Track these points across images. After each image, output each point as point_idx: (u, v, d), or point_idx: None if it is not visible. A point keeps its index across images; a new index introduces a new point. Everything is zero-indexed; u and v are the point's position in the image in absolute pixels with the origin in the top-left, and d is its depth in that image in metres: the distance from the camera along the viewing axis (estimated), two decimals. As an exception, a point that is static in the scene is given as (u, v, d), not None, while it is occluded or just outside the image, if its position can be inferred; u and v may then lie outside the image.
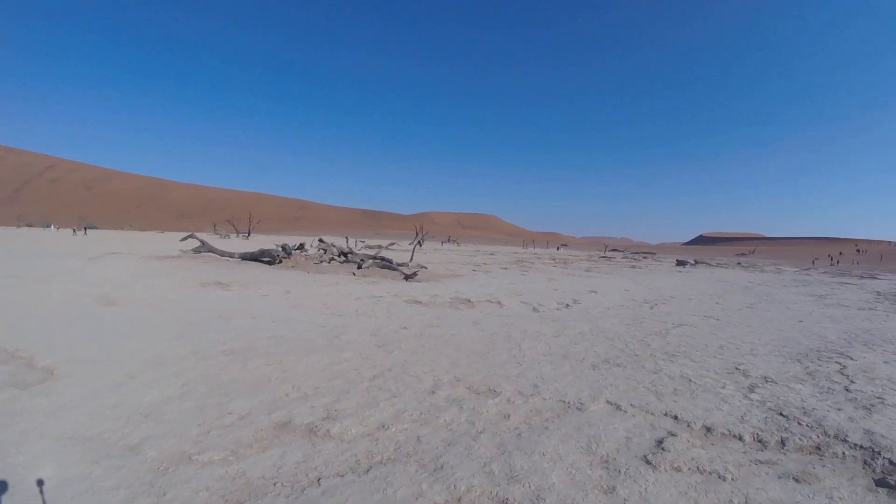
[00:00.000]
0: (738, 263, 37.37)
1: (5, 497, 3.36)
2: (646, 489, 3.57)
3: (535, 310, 12.46)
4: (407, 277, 18.77)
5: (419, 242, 40.77)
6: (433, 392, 5.60)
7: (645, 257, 51.36)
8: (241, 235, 71.95)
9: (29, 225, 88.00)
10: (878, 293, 20.79)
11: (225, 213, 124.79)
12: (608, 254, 61.82)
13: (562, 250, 79.21)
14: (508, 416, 4.93)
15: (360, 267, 21.15)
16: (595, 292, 16.85)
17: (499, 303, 13.45)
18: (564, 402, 5.44)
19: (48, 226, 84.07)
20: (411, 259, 25.72)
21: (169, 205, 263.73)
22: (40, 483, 3.48)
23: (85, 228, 65.02)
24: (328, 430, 4.44)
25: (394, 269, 20.97)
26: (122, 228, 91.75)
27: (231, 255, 23.10)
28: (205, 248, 24.00)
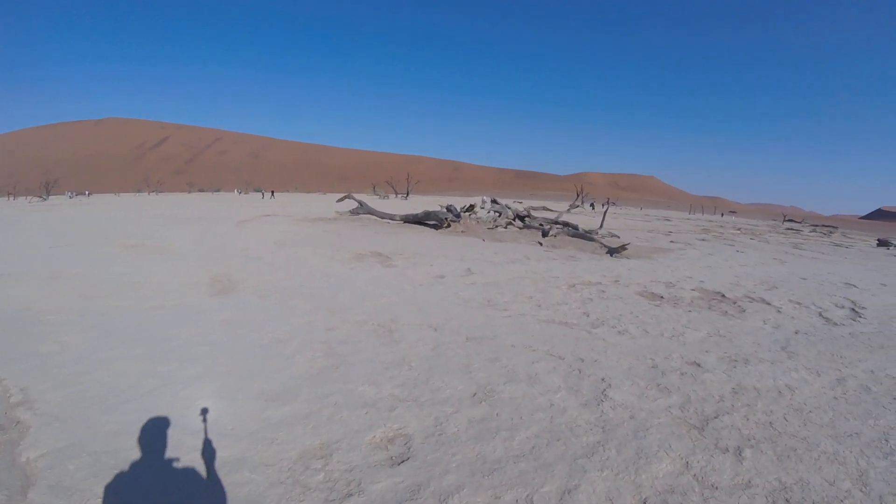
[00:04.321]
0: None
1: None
2: None
3: (826, 319, 7.91)
4: (612, 252, 14.31)
5: (592, 205, 35.83)
6: None
7: (830, 232, 42.22)
8: (399, 196, 70.75)
9: (201, 190, 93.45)
10: None
11: (382, 175, 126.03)
12: (793, 226, 52.52)
13: (732, 218, 70.31)
14: None
15: (545, 235, 16.94)
16: (853, 286, 11.33)
17: (763, 301, 9.00)
18: None
19: (217, 190, 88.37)
20: (601, 225, 21.14)
21: (329, 169, 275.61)
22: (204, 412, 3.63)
23: (272, 192, 66.72)
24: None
25: (591, 239, 16.54)
26: (287, 191, 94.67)
27: (392, 218, 20.12)
28: (363, 209, 21.26)
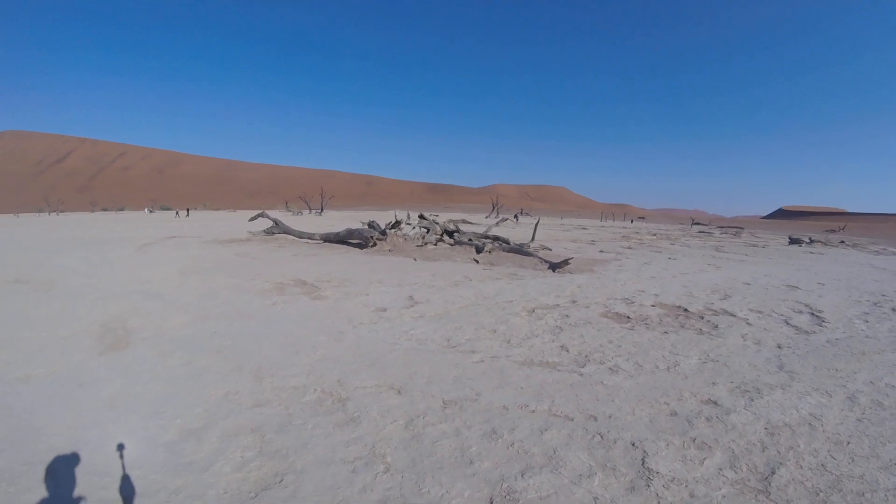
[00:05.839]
0: (842, 242, 30.64)
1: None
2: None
3: (796, 328, 7.73)
4: (554, 267, 13.46)
5: (516, 216, 35.38)
6: None
7: (737, 233, 44.45)
8: (314, 212, 68.59)
9: (104, 209, 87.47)
10: None
11: (294, 190, 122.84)
12: (703, 229, 54.89)
13: (643, 223, 72.88)
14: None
15: (479, 251, 15.91)
16: (796, 288, 11.53)
17: (727, 313, 8.67)
18: None
19: (122, 209, 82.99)
20: (533, 238, 20.30)
21: (239, 184, 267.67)
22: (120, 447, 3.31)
23: (187, 210, 62.36)
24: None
25: (528, 253, 15.63)
26: (196, 209, 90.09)
27: (311, 237, 18.62)
28: (279, 228, 19.59)
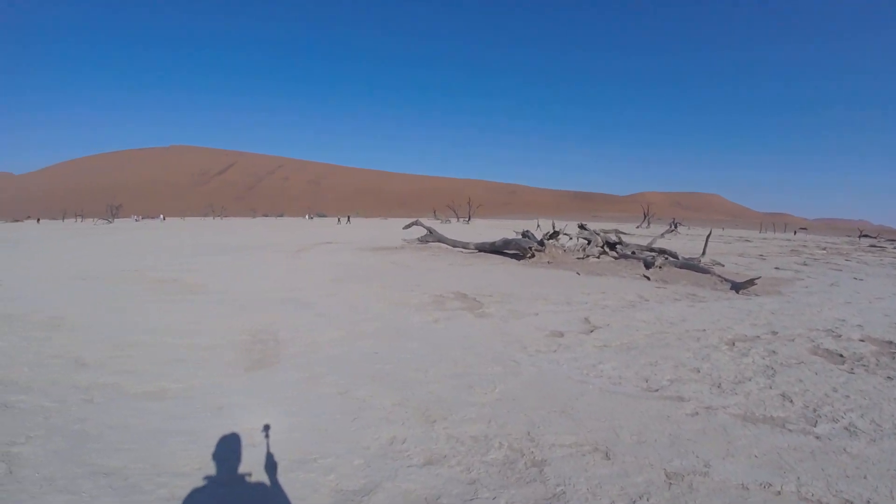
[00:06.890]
0: None
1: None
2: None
3: None
4: (736, 288, 11.73)
5: (675, 225, 32.94)
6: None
7: None
8: (461, 220, 69.75)
9: (265, 215, 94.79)
10: None
11: (440, 199, 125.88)
12: (874, 242, 48.06)
13: (805, 235, 66.22)
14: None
15: (648, 266, 14.41)
16: None
17: None
18: None
19: (281, 215, 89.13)
20: (703, 252, 18.35)
21: (388, 194, 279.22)
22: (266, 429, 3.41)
23: (348, 217, 66.03)
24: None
25: (704, 271, 13.89)
26: (352, 216, 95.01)
27: (465, 246, 18.14)
28: (432, 237, 19.36)
